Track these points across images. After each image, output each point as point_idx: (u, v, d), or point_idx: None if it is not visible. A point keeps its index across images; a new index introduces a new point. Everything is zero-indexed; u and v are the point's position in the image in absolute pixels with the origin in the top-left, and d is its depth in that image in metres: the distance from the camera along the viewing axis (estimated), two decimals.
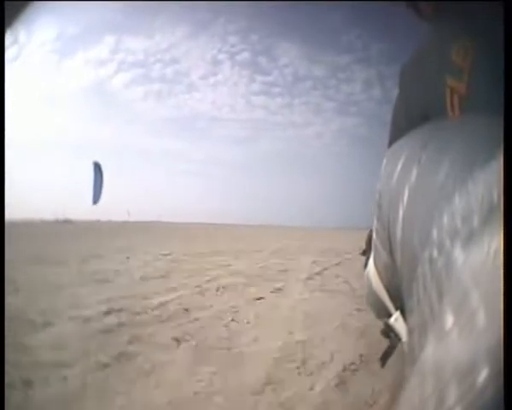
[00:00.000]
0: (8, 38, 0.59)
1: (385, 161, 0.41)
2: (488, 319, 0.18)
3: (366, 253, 0.66)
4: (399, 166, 0.37)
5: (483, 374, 0.17)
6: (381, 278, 0.45)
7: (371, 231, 0.48)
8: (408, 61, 0.55)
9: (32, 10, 0.62)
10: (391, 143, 0.55)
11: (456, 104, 0.43)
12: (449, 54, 0.44)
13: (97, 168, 19.03)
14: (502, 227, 0.21)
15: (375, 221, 0.42)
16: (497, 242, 0.21)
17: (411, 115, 0.51)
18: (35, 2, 0.64)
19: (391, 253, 0.38)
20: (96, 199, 18.86)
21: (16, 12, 0.60)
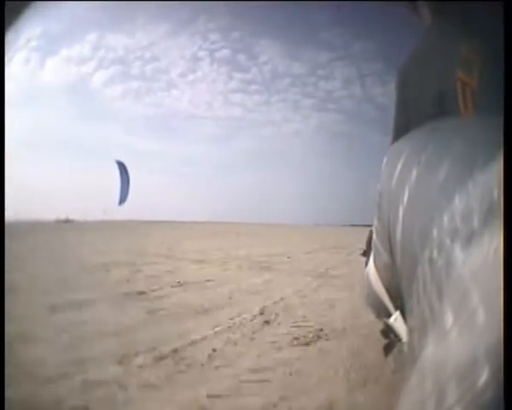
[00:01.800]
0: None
1: (385, 161, 0.41)
2: (488, 319, 0.18)
3: (366, 253, 0.66)
4: (399, 167, 0.37)
5: (483, 374, 0.17)
6: (381, 278, 0.45)
7: (371, 232, 0.49)
8: (409, 60, 0.55)
9: (18, 9, 0.62)
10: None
11: (469, 99, 0.43)
12: (458, 50, 0.44)
13: (122, 168, 18.70)
14: (502, 227, 0.21)
15: (376, 221, 0.42)
16: (496, 242, 0.21)
17: (419, 112, 0.50)
18: (33, 2, 0.64)
19: (391, 253, 0.38)
20: (122, 199, 18.55)
21: (16, 12, 0.60)
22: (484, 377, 0.17)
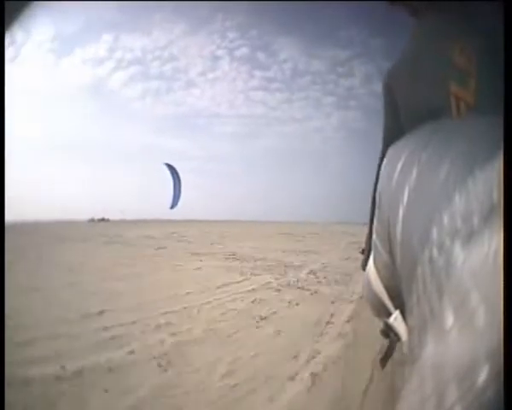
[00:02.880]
0: (6, 39, 0.59)
1: (385, 161, 0.41)
2: (488, 319, 0.18)
3: (365, 252, 0.66)
4: (399, 167, 0.37)
5: (483, 374, 0.17)
6: (381, 278, 0.45)
7: (371, 231, 0.48)
8: (398, 63, 0.52)
9: (28, 10, 0.62)
10: (384, 146, 0.54)
11: (464, 112, 0.41)
12: (450, 55, 0.42)
13: (173, 171, 18.71)
14: (502, 227, 0.21)
15: (375, 221, 0.42)
16: (497, 241, 0.21)
17: (412, 118, 0.48)
18: (33, 2, 0.64)
19: (391, 253, 0.38)
20: (174, 203, 18.55)
21: (15, 12, 0.60)
22: (484, 377, 0.17)
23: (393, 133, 0.40)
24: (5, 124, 0.63)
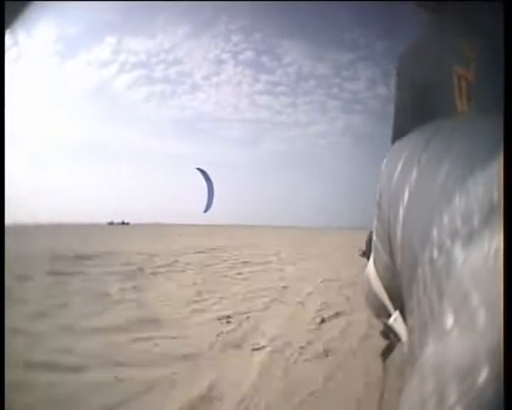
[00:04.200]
0: (8, 40, 0.59)
1: (385, 160, 0.41)
2: (488, 319, 0.18)
3: (366, 254, 0.66)
4: (400, 167, 0.37)
5: (483, 374, 0.17)
6: (381, 279, 0.45)
7: (371, 232, 0.48)
8: (409, 49, 0.56)
9: (30, 11, 0.62)
10: (394, 135, 0.55)
11: (464, 91, 0.43)
12: (456, 45, 0.45)
13: (206, 176, 18.81)
14: (502, 227, 0.21)
15: (375, 221, 0.42)
16: (497, 242, 0.21)
17: (416, 100, 0.51)
18: (34, 2, 0.64)
19: (391, 253, 0.38)
20: (208, 207, 18.65)
21: (16, 13, 0.60)
22: (484, 377, 0.17)
23: (403, 134, 0.41)
24: (5, 124, 0.63)
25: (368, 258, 0.56)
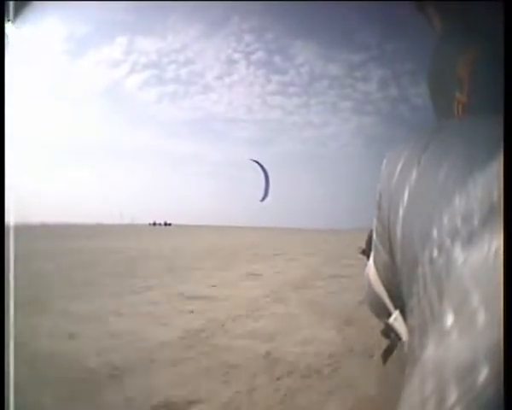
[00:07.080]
0: (16, 39, 0.59)
1: (385, 161, 0.41)
2: (488, 319, 0.18)
3: (365, 252, 0.66)
4: (400, 167, 0.37)
5: (483, 374, 0.17)
6: (381, 278, 0.45)
7: (371, 232, 0.48)
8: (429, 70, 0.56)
9: (39, 10, 0.62)
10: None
11: (461, 113, 0.44)
12: (456, 67, 0.45)
13: (261, 166, 19.05)
14: (502, 227, 0.21)
15: (375, 221, 0.42)
16: (497, 242, 0.21)
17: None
18: (38, 2, 0.64)
19: (391, 253, 0.38)
20: (265, 195, 18.98)
21: (24, 11, 0.60)
22: (484, 377, 0.17)
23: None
24: (5, 124, 0.63)
25: (368, 257, 0.56)
